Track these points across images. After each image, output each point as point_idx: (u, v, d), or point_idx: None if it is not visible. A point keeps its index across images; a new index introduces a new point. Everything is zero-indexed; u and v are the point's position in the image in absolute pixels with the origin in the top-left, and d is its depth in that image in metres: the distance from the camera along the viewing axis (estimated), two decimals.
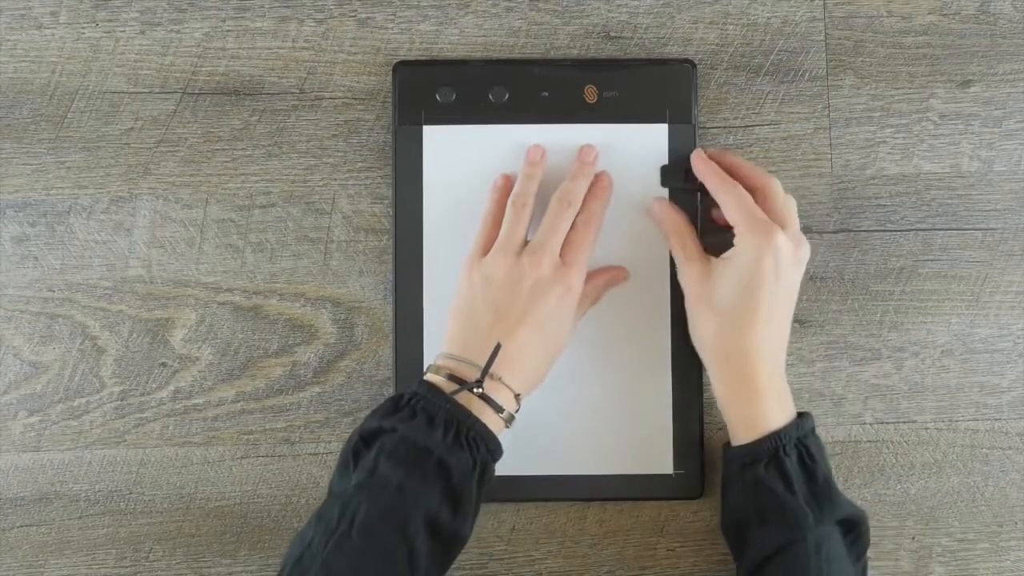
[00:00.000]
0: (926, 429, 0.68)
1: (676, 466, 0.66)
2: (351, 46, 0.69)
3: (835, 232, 0.69)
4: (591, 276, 0.64)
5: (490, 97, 0.67)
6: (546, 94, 0.67)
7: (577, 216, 0.64)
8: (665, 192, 0.67)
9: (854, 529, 0.60)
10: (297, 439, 0.68)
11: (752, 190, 0.63)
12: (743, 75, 0.69)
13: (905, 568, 0.68)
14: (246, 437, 0.68)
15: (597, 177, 0.66)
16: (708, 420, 0.67)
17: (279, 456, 0.68)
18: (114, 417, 0.67)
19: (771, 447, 0.60)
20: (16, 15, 0.69)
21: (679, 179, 0.67)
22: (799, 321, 0.68)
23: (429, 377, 0.60)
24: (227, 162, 0.68)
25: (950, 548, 0.68)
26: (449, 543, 0.58)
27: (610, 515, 0.68)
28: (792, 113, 0.69)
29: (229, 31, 0.69)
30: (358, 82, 0.69)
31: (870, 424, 0.68)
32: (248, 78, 0.69)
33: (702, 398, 0.67)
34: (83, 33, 0.69)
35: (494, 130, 0.67)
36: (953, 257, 0.69)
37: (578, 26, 0.69)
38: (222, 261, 0.68)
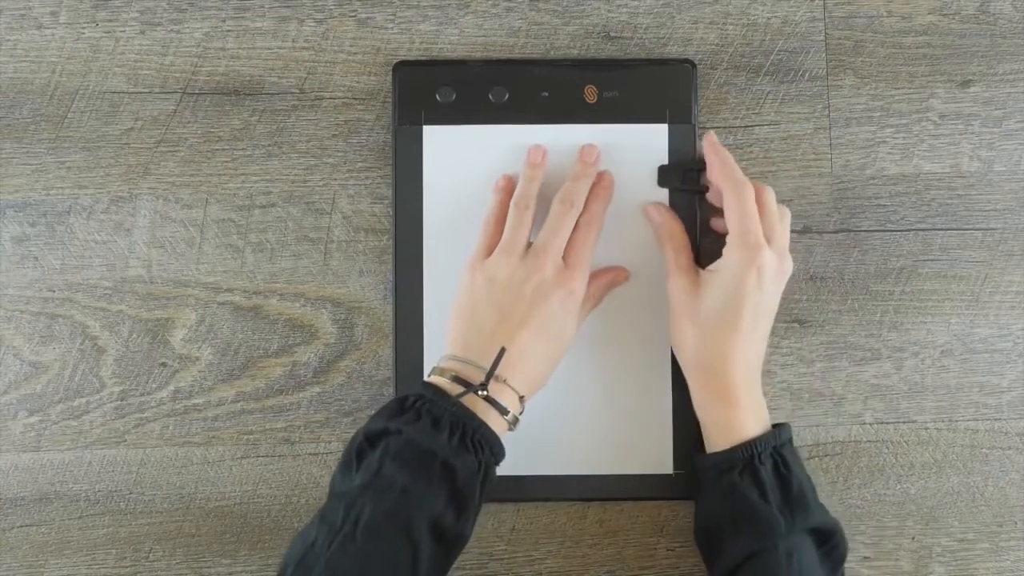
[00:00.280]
0: (926, 429, 0.68)
1: (676, 466, 0.66)
2: (351, 46, 0.69)
3: (835, 232, 0.69)
4: (593, 277, 0.64)
5: (490, 97, 0.67)
6: (546, 94, 0.67)
7: (579, 217, 0.64)
8: (663, 193, 0.67)
9: (829, 539, 0.60)
10: (297, 439, 0.68)
11: None
12: (743, 75, 0.69)
13: (905, 568, 0.68)
14: (246, 437, 0.68)
15: (599, 177, 0.66)
16: None
17: (279, 456, 0.68)
18: (114, 417, 0.67)
19: (746, 455, 0.60)
20: (16, 15, 0.69)
21: (677, 180, 0.67)
22: (799, 321, 0.69)
23: (433, 379, 0.60)
24: (227, 162, 0.68)
25: (950, 548, 0.68)
26: (452, 545, 0.58)
27: (610, 515, 0.68)
28: (792, 113, 0.69)
29: (229, 31, 0.69)
30: (358, 82, 0.69)
31: (870, 424, 0.68)
32: (248, 78, 0.69)
33: None
34: (83, 33, 0.69)
35: (494, 130, 0.67)
36: (953, 257, 0.69)
37: (578, 26, 0.69)
38: (222, 261, 0.68)
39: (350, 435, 0.66)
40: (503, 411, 0.59)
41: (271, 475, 0.68)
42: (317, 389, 0.68)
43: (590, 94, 0.68)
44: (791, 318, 0.68)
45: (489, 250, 0.63)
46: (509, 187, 0.65)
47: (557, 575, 0.67)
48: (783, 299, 0.67)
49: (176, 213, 0.68)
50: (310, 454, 0.68)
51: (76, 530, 0.67)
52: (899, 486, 0.68)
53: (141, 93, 0.69)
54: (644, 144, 0.67)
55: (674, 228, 0.65)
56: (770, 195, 0.63)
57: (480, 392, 0.59)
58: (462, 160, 0.67)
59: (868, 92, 0.69)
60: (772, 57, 0.69)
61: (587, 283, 0.63)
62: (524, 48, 0.69)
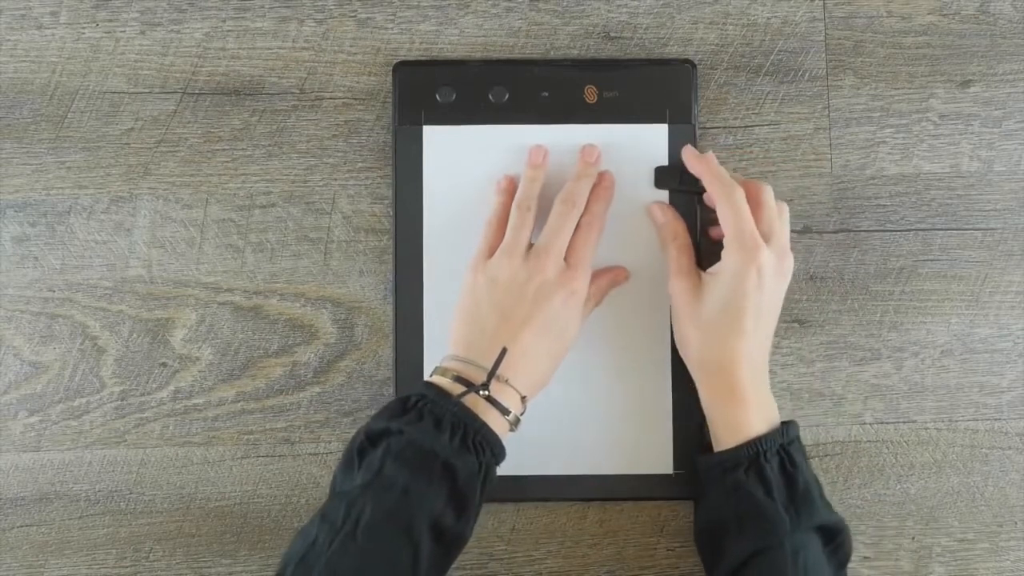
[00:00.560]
0: (926, 429, 0.68)
1: (676, 466, 0.66)
2: (351, 46, 0.69)
3: (835, 232, 0.69)
4: (594, 277, 0.64)
5: (490, 97, 0.67)
6: (546, 94, 0.67)
7: (581, 218, 0.64)
8: (662, 194, 0.67)
9: (835, 538, 0.60)
10: (297, 439, 0.68)
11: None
12: (743, 75, 0.69)
13: (905, 568, 0.68)
14: (246, 437, 0.68)
15: (600, 177, 0.66)
16: None
17: (279, 456, 0.68)
18: (114, 417, 0.67)
19: (752, 453, 0.60)
20: (16, 15, 0.69)
21: (674, 181, 0.67)
22: (799, 321, 0.69)
23: (435, 379, 0.60)
24: (227, 162, 0.68)
25: (950, 548, 0.68)
26: (451, 545, 0.58)
27: (610, 515, 0.68)
28: (792, 113, 0.69)
29: (229, 31, 0.69)
30: (358, 82, 0.69)
31: (870, 424, 0.68)
32: (248, 78, 0.69)
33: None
34: (83, 33, 0.69)
35: (494, 130, 0.67)
36: (953, 257, 0.69)
37: (578, 26, 0.69)
38: (222, 261, 0.68)
39: (350, 435, 0.66)
40: (504, 411, 0.59)
41: (271, 475, 0.68)
42: (317, 389, 0.68)
43: (590, 94, 0.68)
44: (791, 318, 0.68)
45: (491, 251, 0.63)
46: (511, 188, 0.65)
47: (557, 575, 0.67)
48: (784, 299, 0.67)
49: (176, 213, 0.68)
50: (310, 454, 0.68)
51: (76, 530, 0.67)
52: (899, 486, 0.68)
53: (141, 93, 0.69)
54: (644, 144, 0.67)
55: (678, 229, 0.65)
56: (767, 193, 0.63)
57: (482, 392, 0.59)
58: (462, 160, 0.67)
59: (868, 92, 0.69)
60: (772, 57, 0.69)
61: (589, 283, 0.63)
62: (524, 48, 0.69)
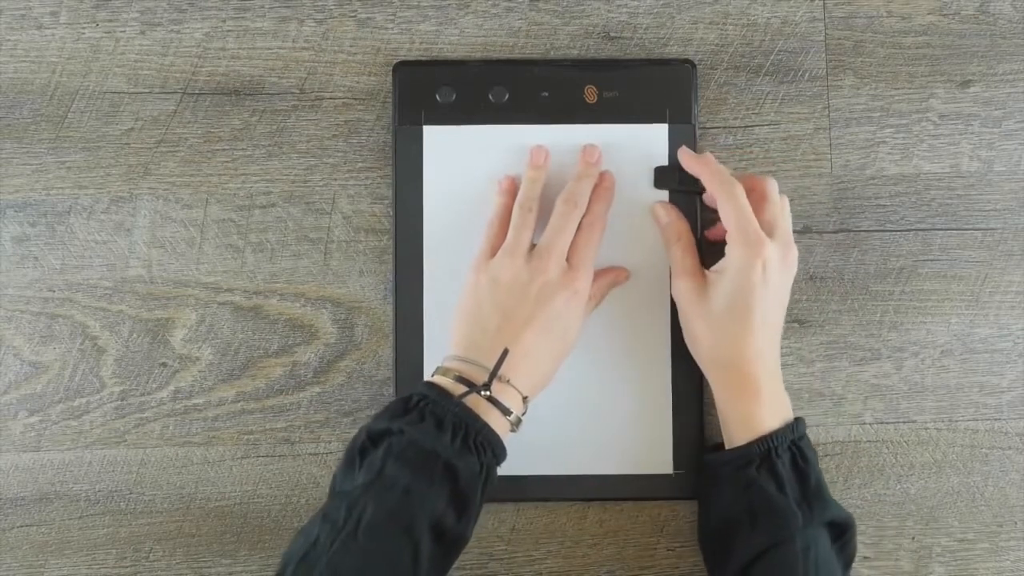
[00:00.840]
0: (926, 429, 0.68)
1: (676, 466, 0.66)
2: (351, 46, 0.69)
3: (835, 232, 0.69)
4: (595, 277, 0.64)
5: (490, 97, 0.67)
6: (546, 94, 0.68)
7: (582, 218, 0.64)
8: (662, 195, 0.67)
9: (843, 535, 0.60)
10: (297, 439, 0.68)
11: (747, 192, 0.63)
12: (743, 75, 0.69)
13: (905, 568, 0.68)
14: (246, 437, 0.68)
15: (601, 177, 0.66)
16: (708, 420, 0.67)
17: (279, 456, 0.68)
18: (114, 417, 0.67)
19: (763, 449, 0.60)
20: (16, 15, 0.69)
21: (674, 181, 0.67)
22: (799, 321, 0.69)
23: (437, 379, 0.60)
24: (227, 162, 0.68)
25: (950, 548, 0.68)
26: (452, 545, 0.58)
27: (610, 515, 0.68)
28: (792, 113, 0.69)
29: (229, 31, 0.69)
30: (358, 82, 0.69)
31: (870, 424, 0.68)
32: (248, 78, 0.69)
33: (702, 398, 0.67)
34: (83, 33, 0.69)
35: (494, 130, 0.67)
36: (953, 257, 0.69)
37: (578, 26, 0.69)
38: (222, 261, 0.68)
39: (350, 435, 0.66)
40: (506, 411, 0.59)
41: (271, 475, 0.68)
42: (317, 389, 0.68)
43: (590, 94, 0.68)
44: (791, 318, 0.68)
45: (493, 251, 0.63)
46: (512, 188, 0.65)
47: (557, 575, 0.67)
48: None
49: (176, 213, 0.68)
50: (310, 454, 0.68)
51: (76, 530, 0.67)
52: (899, 486, 0.68)
53: (141, 93, 0.69)
54: (644, 144, 0.67)
55: (681, 229, 0.65)
56: (771, 186, 0.64)
57: (483, 393, 0.59)
58: (462, 160, 0.67)
59: (868, 92, 0.69)
60: (772, 57, 0.69)
61: (589, 286, 0.63)
62: (524, 48, 0.69)
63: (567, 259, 0.63)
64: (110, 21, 0.69)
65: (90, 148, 0.68)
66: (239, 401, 0.68)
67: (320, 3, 0.69)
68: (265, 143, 0.68)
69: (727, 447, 0.63)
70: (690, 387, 0.67)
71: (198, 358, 0.68)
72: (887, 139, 0.69)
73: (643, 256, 0.67)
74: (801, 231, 0.69)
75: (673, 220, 0.66)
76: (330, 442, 0.68)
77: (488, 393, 0.59)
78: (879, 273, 0.69)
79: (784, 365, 0.68)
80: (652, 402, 0.67)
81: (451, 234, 0.67)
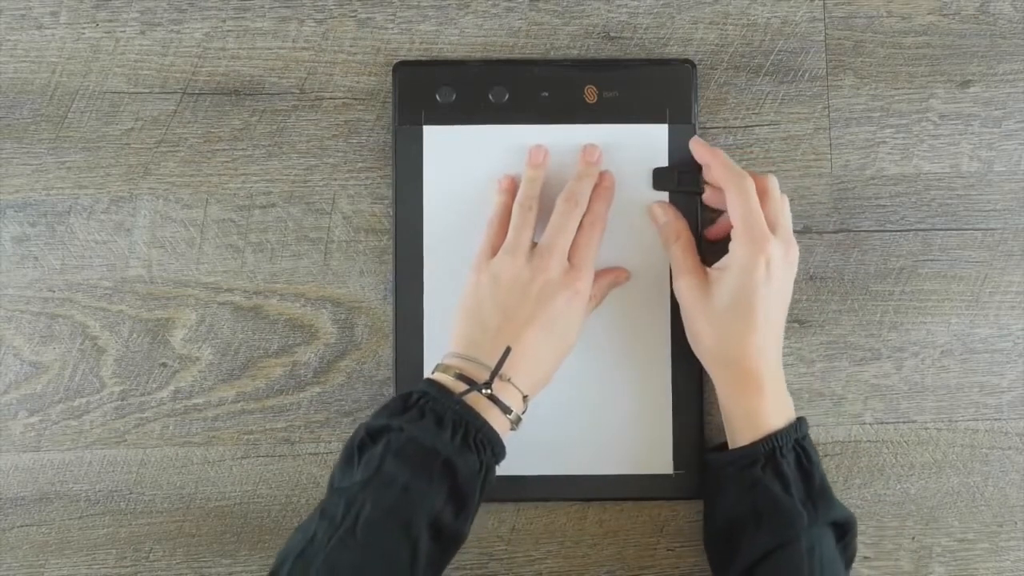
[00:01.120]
0: (926, 429, 0.68)
1: (676, 466, 0.66)
2: (351, 46, 0.69)
3: (835, 232, 0.69)
4: (595, 277, 0.64)
5: (490, 97, 0.67)
6: (546, 94, 0.67)
7: (583, 217, 0.64)
8: (662, 195, 0.67)
9: (845, 535, 0.61)
10: (297, 439, 0.68)
11: None
12: (743, 75, 0.69)
13: (905, 568, 0.68)
14: (246, 437, 0.68)
15: (601, 177, 0.66)
16: (708, 420, 0.67)
17: (279, 456, 0.68)
18: (114, 417, 0.67)
19: (768, 448, 0.60)
20: (16, 15, 0.69)
21: (673, 182, 0.67)
22: (799, 321, 0.68)
23: (437, 376, 0.60)
24: (227, 162, 0.68)
25: (950, 548, 0.68)
26: (449, 543, 0.58)
27: (610, 515, 0.68)
28: (792, 113, 0.69)
29: (229, 31, 0.69)
30: (358, 82, 0.69)
31: (870, 424, 0.68)
32: (248, 78, 0.69)
33: (702, 398, 0.67)
34: (83, 33, 0.69)
35: (494, 130, 0.67)
36: (953, 257, 0.69)
37: (578, 26, 0.69)
38: (222, 261, 0.68)
39: (350, 435, 0.66)
40: (506, 410, 0.59)
41: (271, 475, 0.68)
42: (317, 389, 0.68)
43: (590, 94, 0.68)
44: (791, 318, 0.68)
45: (494, 250, 0.63)
46: (512, 188, 0.65)
47: (557, 575, 0.67)
48: None
49: (176, 213, 0.68)
50: (310, 454, 0.68)
51: (76, 530, 0.67)
52: (899, 486, 0.68)
53: (141, 93, 0.69)
54: (644, 144, 0.67)
55: (680, 228, 0.65)
56: (773, 183, 0.64)
57: (484, 391, 0.59)
58: (462, 160, 0.67)
59: (868, 92, 0.69)
60: (772, 57, 0.69)
61: (591, 285, 0.63)
62: (524, 48, 0.69)
63: (568, 258, 0.63)
64: (110, 21, 0.69)
65: (90, 148, 0.68)
66: (239, 401, 0.68)
67: (320, 3, 0.69)
68: (265, 143, 0.68)
69: (730, 446, 0.63)
70: (690, 387, 0.67)
71: (198, 358, 0.68)
72: (887, 139, 0.69)
73: (643, 256, 0.67)
74: (801, 231, 0.69)
75: (671, 219, 0.66)
76: (330, 442, 0.68)
77: (489, 391, 0.59)
78: (879, 273, 0.69)
79: (784, 365, 0.68)
80: (652, 402, 0.67)
81: (451, 234, 0.67)
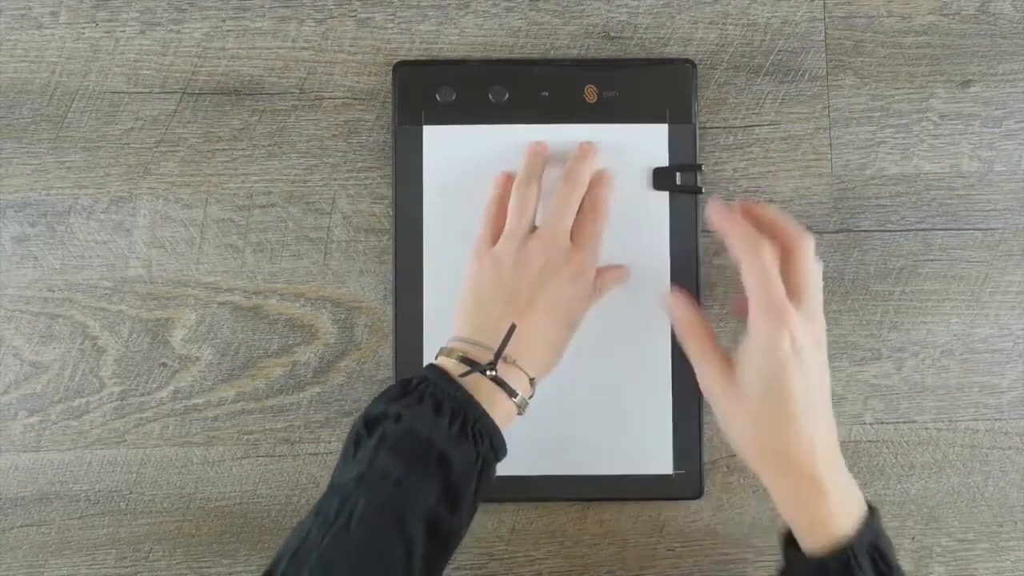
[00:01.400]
0: (926, 429, 0.68)
1: (676, 466, 0.66)
2: (351, 46, 0.69)
3: (835, 232, 0.69)
4: (599, 272, 0.64)
5: (490, 97, 0.67)
6: (546, 94, 0.68)
7: (584, 201, 0.63)
8: (662, 195, 0.67)
9: None
10: (297, 439, 0.68)
11: (782, 249, 0.58)
12: (743, 75, 0.69)
13: (905, 568, 0.68)
14: (246, 437, 0.68)
15: (599, 171, 0.65)
16: (708, 420, 0.67)
17: (279, 456, 0.68)
18: (114, 417, 0.67)
19: (843, 560, 0.54)
20: (16, 15, 0.69)
21: (673, 182, 0.67)
22: None
23: (440, 360, 0.59)
24: (227, 162, 0.68)
25: (950, 548, 0.68)
26: (446, 541, 0.57)
27: (610, 515, 0.68)
28: (792, 113, 0.69)
29: (229, 31, 0.69)
30: (358, 82, 0.69)
31: (870, 424, 0.68)
32: (248, 78, 0.69)
33: (702, 398, 0.67)
34: (83, 33, 0.69)
35: (494, 130, 0.67)
36: (953, 257, 0.69)
37: (578, 26, 0.69)
38: (222, 261, 0.68)
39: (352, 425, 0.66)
40: (512, 393, 0.58)
41: (271, 475, 0.68)
42: (317, 389, 0.68)
43: (590, 94, 0.68)
44: None
45: (493, 237, 0.63)
46: (507, 181, 0.65)
47: (557, 575, 0.67)
48: None
49: (176, 213, 0.68)
50: (310, 454, 0.68)
51: (76, 530, 0.67)
52: (899, 486, 0.68)
53: (141, 93, 0.69)
54: (644, 144, 0.67)
55: (694, 319, 0.61)
56: (804, 244, 0.57)
57: (488, 372, 0.57)
58: (462, 160, 0.67)
59: (868, 92, 0.69)
60: (772, 57, 0.69)
61: (596, 268, 0.62)
62: (524, 48, 0.69)
63: (571, 239, 0.62)
64: (110, 21, 0.69)
65: (90, 148, 0.68)
66: (239, 401, 0.68)
67: (320, 3, 0.69)
68: (265, 143, 0.68)
69: (800, 547, 0.56)
70: (690, 387, 0.66)
71: (198, 358, 0.68)
72: (887, 139, 0.69)
73: (643, 256, 0.67)
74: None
75: (685, 312, 0.62)
76: (330, 442, 0.68)
77: (494, 373, 0.58)
78: (879, 273, 0.69)
79: None
80: (652, 402, 0.67)
81: (451, 234, 0.67)
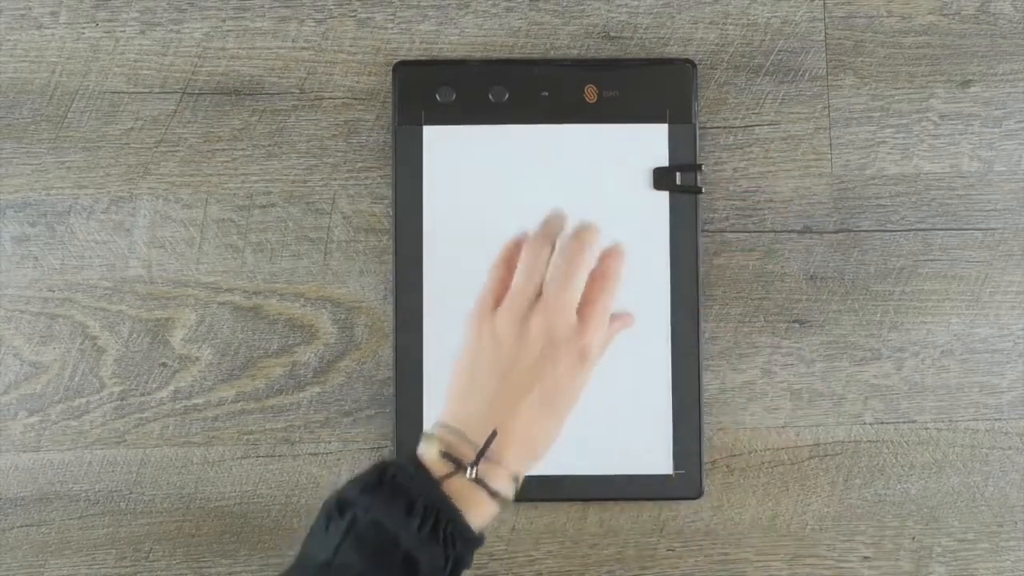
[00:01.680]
0: (926, 429, 0.68)
1: (676, 466, 0.66)
2: (351, 46, 0.69)
3: (835, 232, 0.69)
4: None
5: (490, 97, 0.67)
6: (546, 94, 0.68)
7: (595, 271, 0.58)
8: (663, 195, 0.67)
9: None
10: (297, 439, 0.68)
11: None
12: (743, 75, 0.69)
13: (905, 568, 0.68)
14: (246, 437, 0.68)
15: (612, 244, 0.60)
16: (708, 420, 0.67)
17: (279, 456, 0.68)
18: (114, 417, 0.67)
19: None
20: (16, 15, 0.69)
21: (672, 181, 0.67)
22: (799, 321, 0.68)
23: (421, 450, 0.55)
24: (227, 162, 0.68)
25: (950, 548, 0.68)
26: None
27: (610, 515, 0.68)
28: (792, 113, 0.69)
29: (229, 31, 0.69)
30: (358, 82, 0.69)
31: (870, 424, 0.68)
32: (248, 78, 0.69)
33: (701, 398, 0.67)
34: (83, 33, 0.69)
35: (494, 130, 0.67)
36: (953, 257, 0.69)
37: (578, 26, 0.69)
38: (222, 261, 0.68)
39: (350, 435, 0.66)
40: (493, 493, 0.54)
41: (271, 475, 0.68)
42: (317, 389, 0.68)
43: (590, 94, 0.68)
44: (791, 318, 0.68)
45: (496, 299, 0.57)
46: (518, 247, 0.59)
47: (557, 575, 0.67)
48: (783, 299, 0.68)
49: (176, 213, 0.68)
50: (310, 454, 0.68)
51: (76, 530, 0.67)
52: (899, 486, 0.68)
53: (141, 93, 0.69)
54: (644, 144, 0.67)
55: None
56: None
57: (468, 474, 0.54)
58: (462, 160, 0.67)
59: (868, 92, 0.69)
60: (772, 57, 0.69)
61: (602, 340, 0.58)
62: (524, 48, 0.69)
63: (578, 311, 0.57)
64: (110, 21, 0.69)
65: (90, 148, 0.68)
66: (239, 401, 0.68)
67: (320, 3, 0.69)
68: (265, 143, 0.68)
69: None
70: (690, 387, 0.67)
71: (198, 358, 0.68)
72: (887, 139, 0.69)
73: (642, 256, 0.67)
74: (801, 231, 0.69)
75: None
76: (330, 442, 0.68)
77: (474, 476, 0.54)
78: (879, 273, 0.69)
79: (784, 365, 0.68)
80: (652, 402, 0.67)
81: (451, 234, 0.67)
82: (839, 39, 0.69)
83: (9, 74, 0.68)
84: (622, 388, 0.67)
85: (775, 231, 0.69)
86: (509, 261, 0.58)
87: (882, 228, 0.69)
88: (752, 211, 0.69)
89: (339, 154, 0.69)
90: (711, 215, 0.68)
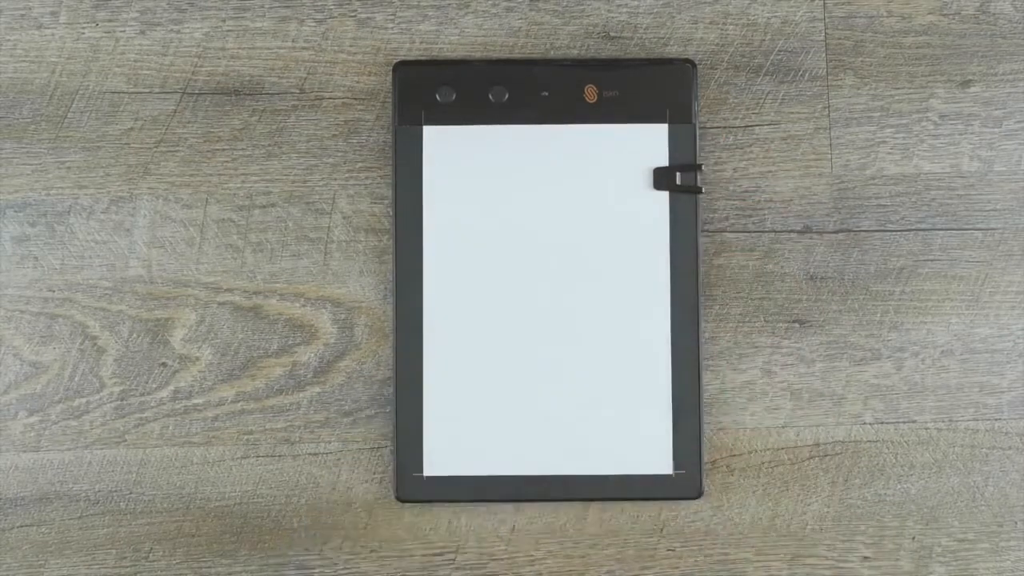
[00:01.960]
0: (926, 429, 0.68)
1: (676, 466, 0.66)
2: (351, 46, 0.69)
3: (835, 232, 0.69)
4: None
5: (490, 97, 0.68)
6: (546, 94, 0.68)
7: None
8: (663, 195, 0.67)
9: None
10: (297, 439, 0.68)
11: None
12: (743, 75, 0.69)
13: (905, 568, 0.68)
14: (246, 437, 0.68)
15: None
16: (708, 420, 0.67)
17: (279, 456, 0.68)
18: (114, 417, 0.67)
19: None
20: (16, 15, 0.69)
21: (672, 181, 0.67)
22: (799, 321, 0.68)
23: None
24: (227, 162, 0.68)
25: (950, 548, 0.68)
26: None
27: (610, 515, 0.68)
28: (792, 113, 0.69)
29: (229, 31, 0.69)
30: (358, 82, 0.69)
31: (870, 424, 0.68)
32: (248, 78, 0.69)
33: (701, 398, 0.67)
34: (83, 33, 0.69)
35: (494, 130, 0.67)
36: (953, 257, 0.69)
37: (578, 26, 0.69)
38: (222, 261, 0.68)
39: (350, 435, 0.66)
40: None
41: (271, 475, 0.68)
42: (317, 389, 0.68)
43: (590, 94, 0.68)
44: (791, 318, 0.68)
45: None
46: None
47: (557, 575, 0.67)
48: (783, 299, 0.68)
49: (176, 213, 0.68)
50: (310, 454, 0.68)
51: (76, 530, 0.67)
52: (899, 486, 0.68)
53: (141, 93, 0.69)
54: (644, 144, 0.67)
55: None
56: None
57: None
58: (462, 160, 0.67)
59: (868, 92, 0.69)
60: (772, 57, 0.69)
61: None
62: (524, 48, 0.69)
63: None
64: (110, 21, 0.69)
65: (90, 148, 0.68)
66: (239, 401, 0.68)
67: (320, 3, 0.69)
68: (265, 143, 0.68)
69: None
70: (690, 387, 0.67)
71: (198, 358, 0.68)
72: (887, 139, 0.69)
73: (642, 256, 0.67)
74: (801, 231, 0.69)
75: None
76: (330, 442, 0.68)
77: None
78: (879, 273, 0.69)
79: (784, 365, 0.68)
80: (652, 402, 0.67)
81: (451, 234, 0.67)
82: (839, 39, 0.70)
83: (9, 74, 0.68)
84: (622, 388, 0.67)
85: (775, 231, 0.69)
86: None
87: (882, 228, 0.69)
88: (752, 211, 0.69)
89: (339, 154, 0.69)
90: (711, 215, 0.68)
